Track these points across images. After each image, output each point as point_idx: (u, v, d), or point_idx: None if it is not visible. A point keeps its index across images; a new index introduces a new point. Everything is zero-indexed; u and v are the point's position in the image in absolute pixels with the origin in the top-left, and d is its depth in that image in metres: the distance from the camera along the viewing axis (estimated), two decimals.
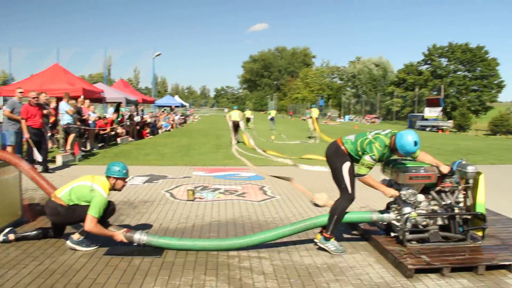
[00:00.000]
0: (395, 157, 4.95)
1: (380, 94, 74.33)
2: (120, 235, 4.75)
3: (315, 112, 23.04)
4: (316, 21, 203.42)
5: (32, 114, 9.86)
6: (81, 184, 4.85)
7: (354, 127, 43.61)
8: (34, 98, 9.99)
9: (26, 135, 9.80)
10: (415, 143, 4.50)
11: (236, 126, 19.67)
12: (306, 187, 6.88)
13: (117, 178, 4.94)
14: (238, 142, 18.84)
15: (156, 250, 4.76)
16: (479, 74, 61.32)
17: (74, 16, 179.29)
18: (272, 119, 34.02)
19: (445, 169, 4.81)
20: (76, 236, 4.80)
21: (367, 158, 4.67)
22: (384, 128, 5.22)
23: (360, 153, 4.79)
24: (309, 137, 22.65)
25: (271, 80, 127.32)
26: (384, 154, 4.73)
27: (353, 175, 4.86)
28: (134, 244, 4.75)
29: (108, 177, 4.93)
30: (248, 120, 27.42)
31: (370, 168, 4.73)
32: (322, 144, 18.18)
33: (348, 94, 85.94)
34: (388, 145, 4.68)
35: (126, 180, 5.14)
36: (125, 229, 4.87)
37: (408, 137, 4.51)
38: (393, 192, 4.87)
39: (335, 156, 4.94)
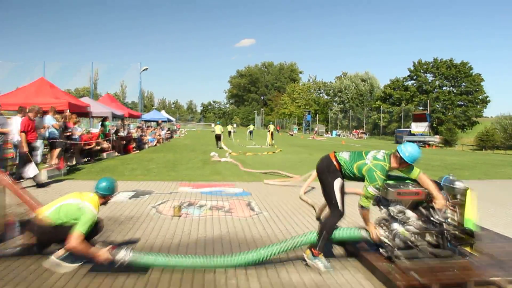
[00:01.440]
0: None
1: (367, 109, 74.94)
2: (104, 254, 4.61)
3: (271, 127, 35.82)
4: (303, 36, 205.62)
5: (31, 128, 9.86)
6: (70, 202, 4.74)
7: (341, 142, 43.78)
8: (38, 113, 10.12)
9: (25, 149, 9.65)
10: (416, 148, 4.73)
11: (218, 137, 27.93)
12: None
13: (110, 195, 4.98)
14: (220, 148, 26.46)
15: (141, 267, 4.66)
16: (464, 89, 62.25)
17: (61, 30, 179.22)
18: (251, 132, 45.13)
19: (439, 205, 4.77)
20: (60, 252, 4.69)
21: (370, 190, 4.69)
22: (373, 147, 5.24)
23: (356, 175, 4.80)
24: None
25: (258, 95, 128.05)
26: (385, 179, 4.77)
27: (343, 191, 4.85)
28: (120, 261, 4.64)
29: (101, 194, 4.86)
30: (229, 133, 40.03)
31: (372, 199, 4.80)
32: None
33: (335, 109, 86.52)
34: (388, 169, 4.73)
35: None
36: (111, 246, 4.77)
37: (408, 148, 4.69)
38: (375, 236, 4.88)
39: (327, 172, 4.93)
